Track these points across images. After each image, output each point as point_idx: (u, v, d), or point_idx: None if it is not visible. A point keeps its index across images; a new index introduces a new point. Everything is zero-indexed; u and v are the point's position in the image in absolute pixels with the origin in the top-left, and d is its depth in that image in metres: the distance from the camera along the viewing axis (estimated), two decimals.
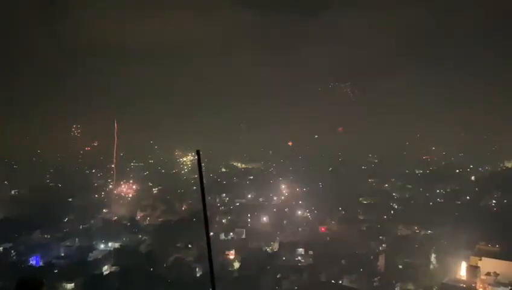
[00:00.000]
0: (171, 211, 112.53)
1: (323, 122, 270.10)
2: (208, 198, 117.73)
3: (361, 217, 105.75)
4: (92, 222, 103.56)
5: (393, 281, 68.79)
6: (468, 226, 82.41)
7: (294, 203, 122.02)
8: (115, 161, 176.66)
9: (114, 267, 73.50)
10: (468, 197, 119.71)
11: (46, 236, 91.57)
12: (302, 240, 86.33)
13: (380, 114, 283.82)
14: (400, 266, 74.94)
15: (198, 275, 70.09)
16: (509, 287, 62.65)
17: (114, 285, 63.37)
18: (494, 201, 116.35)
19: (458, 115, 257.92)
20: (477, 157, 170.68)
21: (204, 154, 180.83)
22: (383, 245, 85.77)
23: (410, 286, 68.43)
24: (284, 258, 79.36)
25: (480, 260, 69.79)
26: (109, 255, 79.30)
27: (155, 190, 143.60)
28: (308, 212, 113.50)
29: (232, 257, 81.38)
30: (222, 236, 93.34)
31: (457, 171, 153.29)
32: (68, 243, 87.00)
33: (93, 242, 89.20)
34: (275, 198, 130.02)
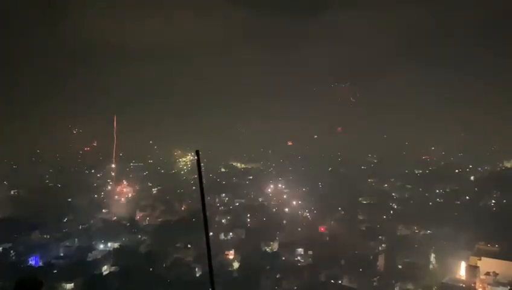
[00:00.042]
0: (170, 211, 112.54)
1: (323, 122, 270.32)
2: (208, 198, 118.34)
3: (360, 217, 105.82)
4: (92, 222, 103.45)
5: (393, 281, 68.84)
6: (467, 226, 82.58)
7: (293, 203, 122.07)
8: (114, 161, 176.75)
9: (113, 267, 73.48)
10: (467, 197, 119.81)
11: (45, 236, 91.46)
12: (302, 240, 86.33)
13: (379, 114, 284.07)
14: (400, 266, 75.00)
15: (197, 275, 70.08)
16: (509, 287, 62.70)
17: (113, 285, 63.35)
18: (493, 201, 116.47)
19: (458, 115, 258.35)
20: (477, 157, 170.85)
21: (204, 155, 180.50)
22: (383, 245, 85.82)
23: (410, 286, 68.47)
24: (283, 258, 79.42)
25: (480, 259, 69.87)
26: (109, 256, 79.28)
27: (154, 190, 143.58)
28: (307, 212, 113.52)
29: (231, 257, 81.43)
30: (222, 236, 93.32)
31: (456, 171, 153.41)
32: (67, 243, 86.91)
33: (93, 242, 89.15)
34: (274, 198, 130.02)
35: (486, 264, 68.44)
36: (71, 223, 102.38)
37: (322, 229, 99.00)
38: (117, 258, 76.09)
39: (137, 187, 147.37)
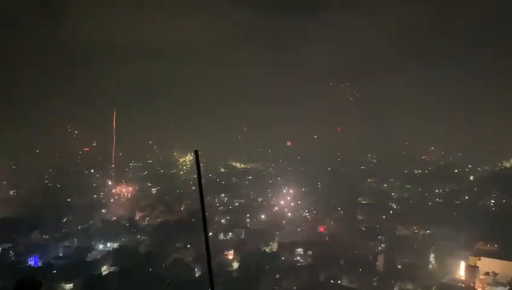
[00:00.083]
0: (170, 211, 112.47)
1: (322, 122, 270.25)
2: (207, 198, 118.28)
3: (360, 217, 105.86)
4: (91, 222, 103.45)
5: (392, 281, 68.86)
6: (466, 226, 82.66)
7: (293, 203, 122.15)
8: (113, 161, 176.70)
9: (113, 267, 73.46)
10: (466, 197, 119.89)
11: (44, 236, 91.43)
12: (301, 240, 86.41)
13: (379, 114, 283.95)
14: (399, 266, 75.01)
15: (197, 275, 70.04)
16: (508, 287, 62.75)
17: (113, 285, 63.31)
18: (492, 201, 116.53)
19: (457, 115, 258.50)
20: (476, 157, 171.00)
21: (203, 155, 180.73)
22: (382, 245, 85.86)
23: (409, 286, 68.53)
24: (283, 258, 79.39)
25: (479, 259, 69.93)
26: (108, 256, 79.26)
27: (154, 190, 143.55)
28: (307, 212, 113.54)
29: (231, 257, 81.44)
30: (221, 236, 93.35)
31: (456, 171, 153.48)
32: (67, 244, 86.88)
33: (92, 242, 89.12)
34: (273, 198, 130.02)
35: (486, 264, 68.51)
36: (70, 223, 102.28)
37: (321, 229, 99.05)
38: (116, 259, 76.06)
39: (136, 187, 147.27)
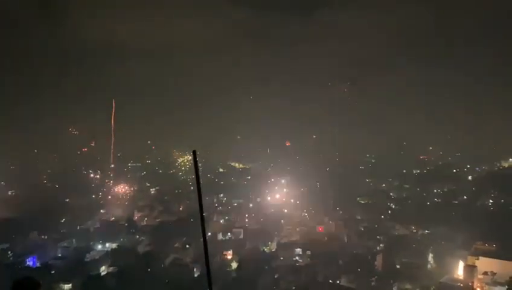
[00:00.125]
0: (168, 211, 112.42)
1: (321, 122, 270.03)
2: (206, 198, 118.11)
3: (358, 217, 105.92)
4: (89, 222, 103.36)
5: (391, 281, 68.93)
6: (465, 226, 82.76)
7: (291, 203, 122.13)
8: (112, 162, 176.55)
9: (111, 267, 73.44)
10: (465, 197, 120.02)
11: (43, 237, 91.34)
12: (300, 240, 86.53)
13: (377, 114, 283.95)
14: (398, 266, 75.09)
15: (196, 275, 70.01)
16: (506, 287, 62.85)
17: (111, 285, 63.27)
18: (491, 201, 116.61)
19: (456, 115, 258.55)
20: (474, 157, 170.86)
21: (202, 155, 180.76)
22: (381, 245, 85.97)
23: (408, 286, 68.57)
24: (281, 258, 79.44)
25: (477, 259, 70.04)
26: (106, 256, 79.20)
27: (152, 191, 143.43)
28: (305, 212, 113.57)
29: (230, 257, 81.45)
30: (220, 236, 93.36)
31: (454, 171, 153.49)
32: (65, 244, 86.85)
33: (91, 243, 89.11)
34: (272, 198, 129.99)
35: (484, 263, 68.62)
36: (69, 223, 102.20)
37: (320, 229, 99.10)
38: (115, 259, 76.01)
39: (135, 187, 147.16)
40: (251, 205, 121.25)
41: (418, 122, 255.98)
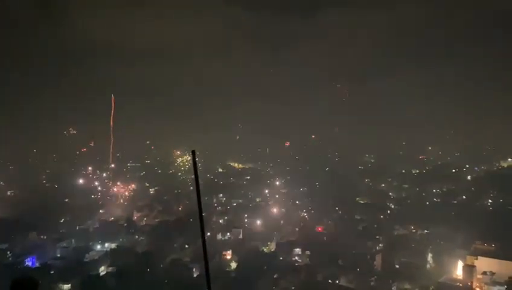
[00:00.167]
0: (168, 211, 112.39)
1: (320, 122, 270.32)
2: (205, 198, 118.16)
3: (358, 217, 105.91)
4: (89, 222, 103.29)
5: (390, 281, 68.96)
6: (464, 226, 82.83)
7: (291, 203, 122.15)
8: (111, 162, 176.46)
9: (110, 268, 73.40)
10: (464, 197, 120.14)
11: (42, 237, 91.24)
12: (299, 240, 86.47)
13: (376, 114, 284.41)
14: (397, 266, 75.13)
15: (195, 275, 69.94)
16: (505, 286, 62.96)
17: (111, 286, 63.21)
18: (490, 200, 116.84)
19: (454, 115, 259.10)
20: (473, 157, 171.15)
21: (201, 155, 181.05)
22: (380, 245, 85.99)
23: (407, 286, 68.61)
24: (281, 258, 79.39)
25: (477, 259, 70.18)
26: (106, 256, 79.14)
27: (152, 191, 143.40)
28: (305, 212, 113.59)
29: (229, 257, 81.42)
30: (219, 236, 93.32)
31: (453, 170, 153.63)
32: (64, 244, 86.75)
33: (90, 243, 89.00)
34: (272, 198, 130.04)
35: (483, 263, 68.75)
36: (68, 223, 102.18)
37: (319, 229, 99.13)
38: (114, 259, 75.97)
39: (134, 187, 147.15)
40: (250, 205, 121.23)
41: (417, 122, 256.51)
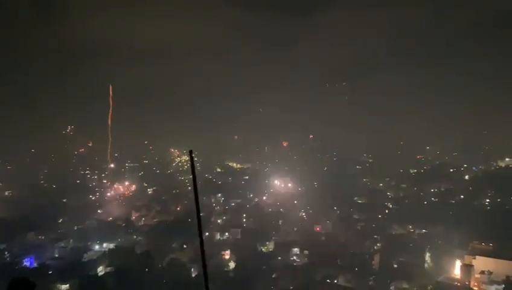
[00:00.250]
0: (166, 211, 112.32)
1: (318, 122, 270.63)
2: (204, 198, 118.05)
3: (356, 217, 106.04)
4: (87, 222, 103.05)
5: (388, 280, 68.98)
6: (462, 225, 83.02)
7: (289, 203, 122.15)
8: (109, 162, 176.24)
9: (109, 268, 73.28)
10: (462, 196, 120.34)
11: (40, 237, 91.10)
12: (298, 240, 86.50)
13: (375, 114, 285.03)
14: (395, 265, 75.17)
15: (193, 275, 69.95)
16: (503, 286, 63.13)
17: (109, 286, 63.13)
18: (487, 200, 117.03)
19: (452, 115, 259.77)
20: (471, 156, 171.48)
21: (200, 155, 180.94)
22: (378, 244, 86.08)
23: (405, 285, 68.64)
24: (279, 258, 79.45)
25: (474, 258, 70.31)
26: (104, 256, 79.01)
27: (150, 191, 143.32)
28: (303, 212, 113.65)
29: (227, 257, 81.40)
30: (217, 236, 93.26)
31: (451, 170, 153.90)
32: (63, 244, 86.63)
33: (88, 243, 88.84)
34: (270, 198, 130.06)
35: (481, 262, 68.88)
36: (66, 223, 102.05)
37: (317, 228, 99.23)
38: (112, 259, 75.83)
39: (132, 187, 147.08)
40: (248, 205, 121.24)
41: (415, 121, 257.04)
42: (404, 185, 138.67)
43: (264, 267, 71.26)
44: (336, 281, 69.46)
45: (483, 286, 65.69)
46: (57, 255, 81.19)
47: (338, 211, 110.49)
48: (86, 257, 78.97)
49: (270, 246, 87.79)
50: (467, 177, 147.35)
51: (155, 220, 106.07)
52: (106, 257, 78.50)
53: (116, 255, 76.74)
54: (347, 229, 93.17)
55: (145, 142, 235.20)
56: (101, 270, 73.78)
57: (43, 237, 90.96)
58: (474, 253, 72.08)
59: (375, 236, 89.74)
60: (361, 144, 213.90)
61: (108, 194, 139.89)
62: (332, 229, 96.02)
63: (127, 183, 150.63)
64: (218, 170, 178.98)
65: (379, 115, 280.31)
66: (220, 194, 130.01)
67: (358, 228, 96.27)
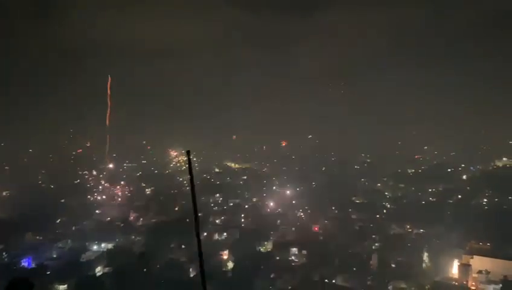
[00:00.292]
0: (164, 211, 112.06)
1: (316, 122, 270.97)
2: (202, 198, 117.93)
3: (354, 217, 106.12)
4: (85, 223, 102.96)
5: (386, 280, 69.06)
6: (460, 225, 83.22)
7: (287, 202, 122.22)
8: (107, 162, 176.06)
9: (107, 268, 73.26)
10: (459, 196, 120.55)
11: (38, 237, 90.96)
12: (296, 240, 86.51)
13: (372, 114, 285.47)
14: (393, 265, 75.25)
15: (192, 275, 69.92)
16: (500, 285, 63.33)
17: (107, 286, 63.10)
18: (485, 200, 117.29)
19: (450, 115, 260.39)
20: (469, 156, 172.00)
21: (198, 155, 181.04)
22: (376, 244, 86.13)
23: (403, 285, 68.73)
24: (277, 257, 79.46)
25: (472, 258, 70.57)
26: (102, 256, 78.96)
27: (148, 191, 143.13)
28: (301, 211, 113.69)
29: (225, 257, 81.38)
30: (216, 236, 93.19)
31: (449, 170, 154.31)
32: (61, 245, 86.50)
33: (86, 243, 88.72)
34: (268, 198, 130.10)
35: (479, 262, 69.14)
36: (64, 224, 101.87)
37: (315, 228, 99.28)
38: (110, 259, 75.79)
39: (130, 188, 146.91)
40: (247, 205, 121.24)
41: (412, 121, 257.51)
42: (402, 185, 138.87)
43: (262, 267, 71.23)
44: (334, 281, 69.51)
45: (481, 286, 65.89)
46: (55, 256, 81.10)
47: (336, 211, 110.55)
48: (84, 257, 78.94)
49: (268, 246, 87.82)
50: (464, 177, 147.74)
51: (153, 220, 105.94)
52: (104, 257, 78.44)
53: (114, 256, 76.69)
54: (345, 229, 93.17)
55: (143, 143, 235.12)
56: (99, 270, 73.77)
57: (41, 238, 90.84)
58: (472, 253, 72.37)
59: (373, 236, 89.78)
60: (359, 144, 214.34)
61: (107, 194, 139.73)
62: (330, 229, 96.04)
63: (125, 183, 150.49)
64: (217, 170, 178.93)
65: (378, 115, 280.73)
66: (218, 194, 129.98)
67: (357, 227, 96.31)
